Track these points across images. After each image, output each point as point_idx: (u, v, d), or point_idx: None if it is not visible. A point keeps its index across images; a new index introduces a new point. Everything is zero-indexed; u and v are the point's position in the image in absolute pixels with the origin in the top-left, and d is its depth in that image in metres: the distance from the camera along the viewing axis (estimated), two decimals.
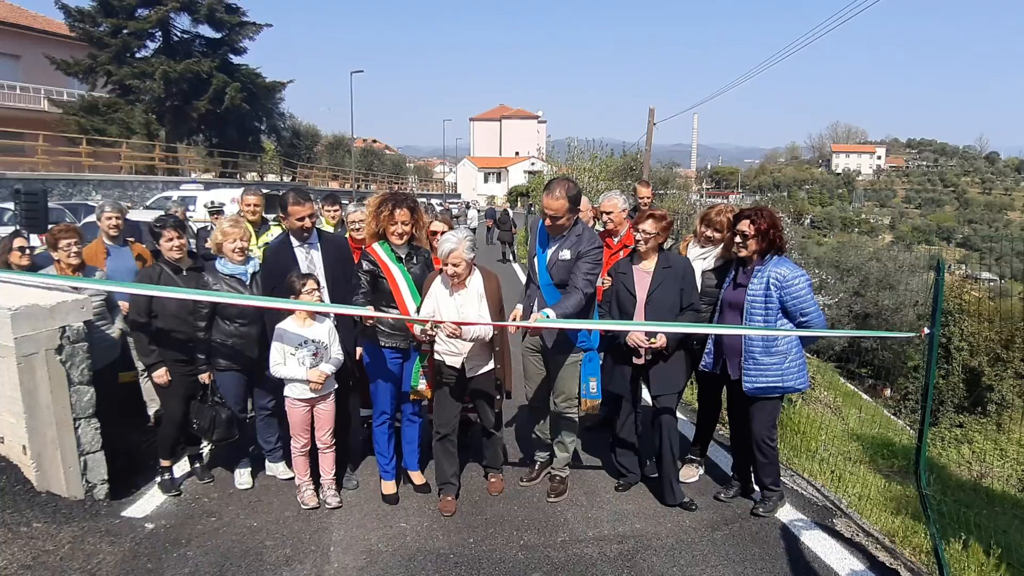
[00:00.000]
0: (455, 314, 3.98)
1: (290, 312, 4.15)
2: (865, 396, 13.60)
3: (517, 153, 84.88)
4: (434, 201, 37.48)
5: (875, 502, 4.65)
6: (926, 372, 3.50)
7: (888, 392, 15.73)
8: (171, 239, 4.38)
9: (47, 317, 3.95)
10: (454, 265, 3.90)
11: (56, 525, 3.78)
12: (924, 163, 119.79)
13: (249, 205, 5.69)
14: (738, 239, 4.09)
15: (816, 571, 3.65)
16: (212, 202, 8.25)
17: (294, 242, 4.41)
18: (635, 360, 4.31)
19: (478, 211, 33.56)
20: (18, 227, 11.25)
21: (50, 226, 5.11)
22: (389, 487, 4.47)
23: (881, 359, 16.86)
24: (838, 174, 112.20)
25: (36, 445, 3.97)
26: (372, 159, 64.25)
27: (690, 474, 4.77)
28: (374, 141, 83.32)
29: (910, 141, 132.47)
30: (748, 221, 4.03)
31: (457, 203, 43.51)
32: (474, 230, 12.06)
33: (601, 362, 4.41)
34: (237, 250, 4.28)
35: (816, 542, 3.92)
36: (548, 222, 4.18)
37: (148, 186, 24.92)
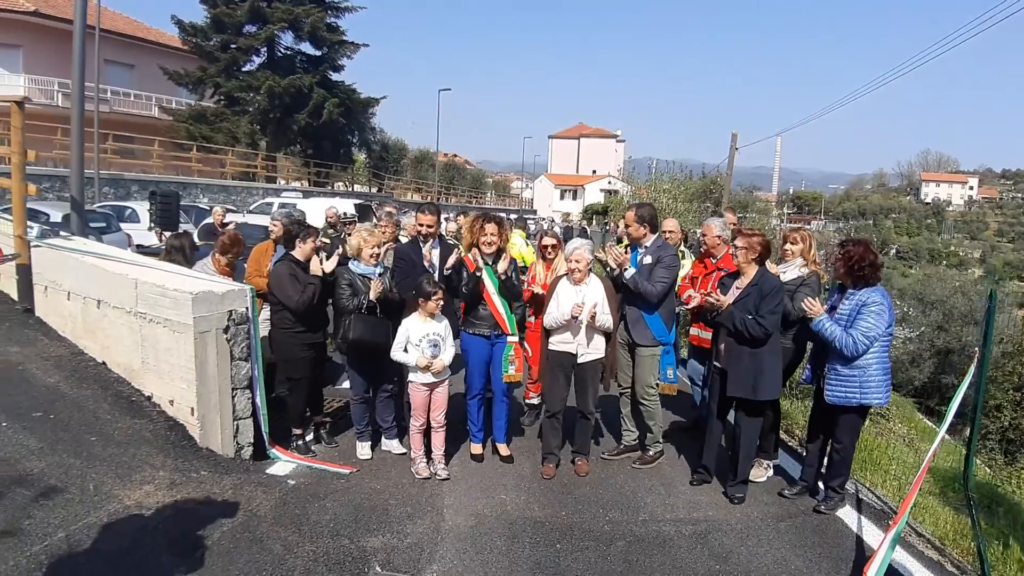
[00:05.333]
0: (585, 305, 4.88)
1: (415, 308, 4.87)
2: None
3: (594, 171, 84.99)
4: (512, 216, 38.19)
5: (932, 513, 4.98)
6: (976, 387, 3.91)
7: (968, 431, 15.37)
8: (312, 242, 5.22)
9: (219, 302, 4.76)
10: (576, 261, 4.92)
11: (218, 475, 4.56)
12: (1020, 195, 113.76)
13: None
14: (835, 260, 4.67)
15: (867, 559, 4.04)
16: (346, 213, 9.15)
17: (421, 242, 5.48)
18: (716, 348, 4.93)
19: (560, 228, 34.31)
20: (152, 225, 12.63)
21: (229, 226, 6.16)
22: (476, 448, 5.41)
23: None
24: (927, 203, 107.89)
25: (202, 408, 4.78)
26: (453, 173, 65.95)
27: (759, 475, 5.23)
28: (455, 155, 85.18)
29: (1005, 172, 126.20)
30: (839, 247, 4.62)
31: (534, 219, 44.21)
32: None
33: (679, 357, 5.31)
34: (373, 255, 5.06)
35: (871, 537, 4.35)
36: (624, 231, 5.38)
37: (249, 192, 26.68)
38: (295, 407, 5.38)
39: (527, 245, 7.90)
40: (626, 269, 5.14)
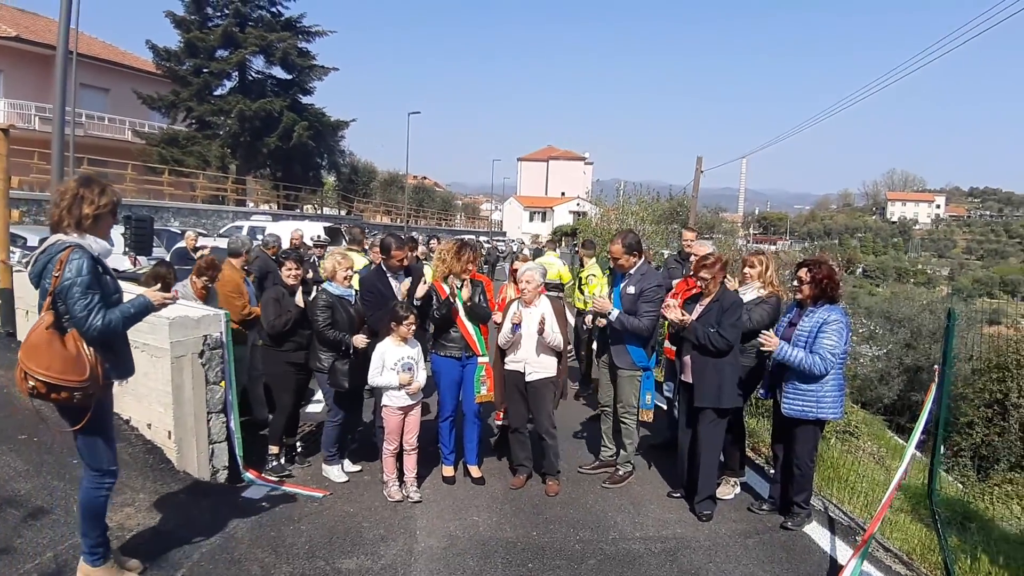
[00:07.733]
0: (530, 323, 5.10)
1: (388, 334, 4.97)
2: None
3: (563, 193, 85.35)
4: (482, 239, 38.77)
5: (900, 528, 5.10)
6: (939, 404, 4.09)
7: (941, 448, 15.57)
8: (290, 269, 5.39)
9: (194, 326, 4.83)
10: (527, 281, 5.18)
11: (196, 497, 4.62)
12: (988, 213, 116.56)
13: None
14: (796, 283, 4.81)
15: (835, 574, 4.19)
16: (319, 236, 9.32)
17: (388, 273, 5.66)
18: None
19: (530, 250, 34.61)
20: (127, 249, 12.54)
21: (204, 251, 6.29)
22: (448, 471, 5.47)
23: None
24: (893, 222, 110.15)
25: (179, 432, 4.83)
26: (423, 195, 66.12)
27: (726, 492, 5.36)
28: (424, 178, 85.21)
29: (973, 190, 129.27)
30: (806, 269, 4.74)
31: (504, 240, 44.50)
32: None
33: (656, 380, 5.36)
34: (347, 276, 5.23)
35: (840, 553, 4.47)
36: (612, 263, 5.39)
37: (220, 215, 26.55)
38: (276, 422, 5.47)
39: (563, 265, 8.07)
40: (610, 312, 5.22)
